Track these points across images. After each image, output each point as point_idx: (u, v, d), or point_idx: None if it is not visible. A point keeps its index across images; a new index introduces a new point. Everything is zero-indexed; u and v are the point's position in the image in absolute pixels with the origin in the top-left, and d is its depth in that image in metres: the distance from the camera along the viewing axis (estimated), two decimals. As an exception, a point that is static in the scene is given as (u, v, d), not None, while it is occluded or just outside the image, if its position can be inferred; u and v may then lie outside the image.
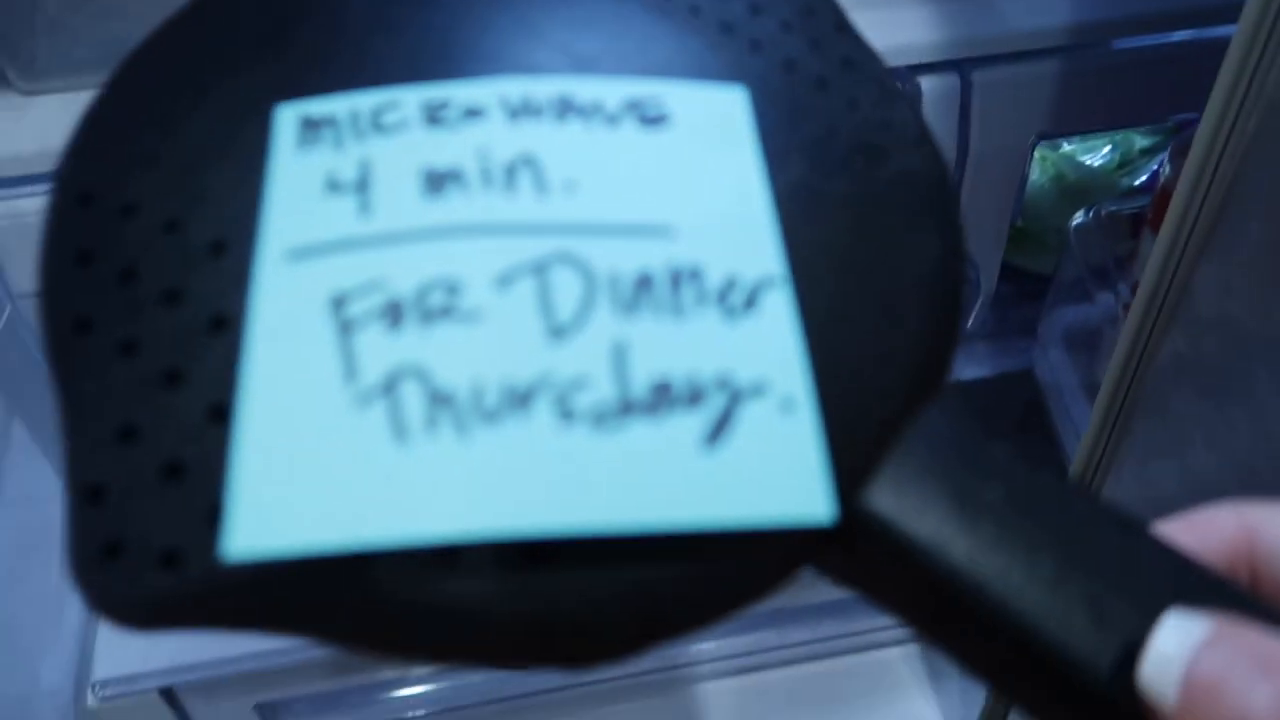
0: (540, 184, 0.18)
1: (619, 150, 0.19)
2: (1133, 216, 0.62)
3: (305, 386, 0.16)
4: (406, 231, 0.18)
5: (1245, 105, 0.34)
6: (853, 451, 0.17)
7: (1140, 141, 0.74)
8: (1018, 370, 0.68)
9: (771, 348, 0.17)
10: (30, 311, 0.61)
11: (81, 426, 0.17)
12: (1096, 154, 0.73)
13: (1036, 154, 0.73)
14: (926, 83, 0.56)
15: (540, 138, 0.19)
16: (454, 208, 0.18)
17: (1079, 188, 0.71)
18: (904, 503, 0.17)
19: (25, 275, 0.59)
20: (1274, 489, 0.40)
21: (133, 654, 0.66)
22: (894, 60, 0.56)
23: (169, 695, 0.69)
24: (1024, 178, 0.61)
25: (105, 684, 0.66)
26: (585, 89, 0.19)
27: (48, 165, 0.55)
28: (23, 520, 0.64)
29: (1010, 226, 0.63)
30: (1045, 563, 0.16)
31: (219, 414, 0.16)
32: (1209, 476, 0.42)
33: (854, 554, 0.17)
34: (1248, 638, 0.16)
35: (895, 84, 0.21)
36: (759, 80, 0.21)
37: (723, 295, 0.17)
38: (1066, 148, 0.73)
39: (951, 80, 0.57)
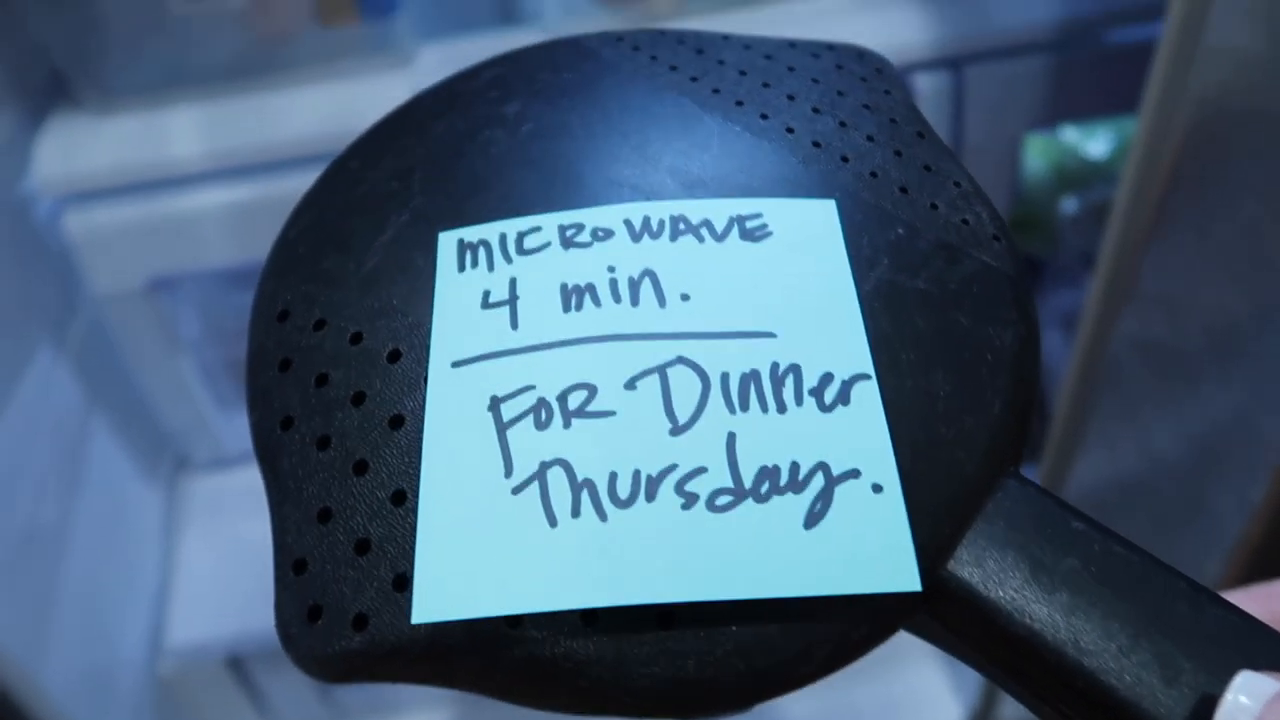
0: (660, 297, 0.21)
1: (726, 263, 0.21)
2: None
3: (472, 477, 0.19)
4: (549, 341, 0.21)
5: (1178, 99, 0.37)
6: (936, 527, 0.18)
7: (1143, 128, 0.75)
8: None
9: (863, 437, 0.19)
10: (107, 313, 0.66)
11: (287, 508, 0.20)
12: (1097, 140, 0.75)
13: (1039, 142, 0.75)
14: (922, 80, 0.60)
15: (659, 255, 0.22)
16: (588, 320, 0.21)
17: (1077, 176, 0.73)
18: (985, 571, 0.18)
19: (103, 280, 0.63)
20: (1227, 462, 0.42)
21: (202, 628, 0.72)
22: (890, 59, 0.59)
23: (237, 665, 0.74)
24: (1017, 168, 0.63)
25: (176, 653, 0.71)
26: (696, 210, 0.22)
27: (121, 180, 0.60)
28: (104, 503, 0.69)
29: (1007, 214, 0.65)
30: (1119, 627, 0.18)
31: (399, 498, 0.19)
32: (1166, 452, 0.45)
33: (939, 617, 0.19)
34: None
35: (971, 184, 0.24)
36: (848, 190, 0.23)
37: (819, 390, 0.20)
38: (1067, 136, 0.75)
39: (945, 77, 0.60)
